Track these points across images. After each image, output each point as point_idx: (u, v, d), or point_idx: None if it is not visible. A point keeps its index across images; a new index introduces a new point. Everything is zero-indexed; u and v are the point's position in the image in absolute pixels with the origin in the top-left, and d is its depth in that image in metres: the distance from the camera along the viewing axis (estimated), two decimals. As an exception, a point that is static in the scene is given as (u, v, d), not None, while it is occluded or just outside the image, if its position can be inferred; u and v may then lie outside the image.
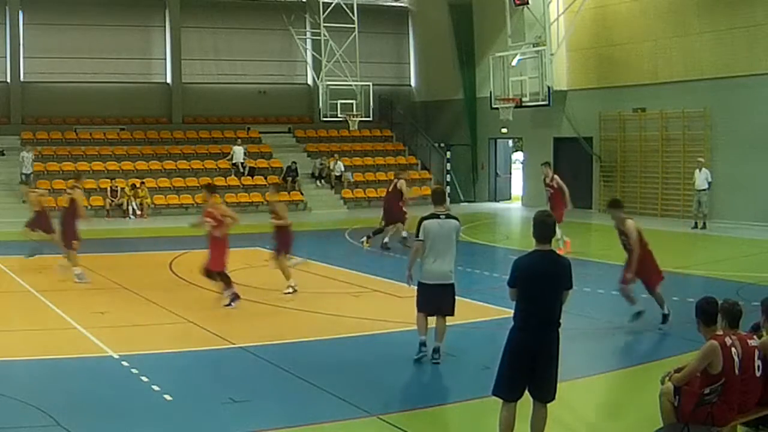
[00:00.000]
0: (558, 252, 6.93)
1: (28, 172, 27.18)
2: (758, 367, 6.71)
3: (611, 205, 11.98)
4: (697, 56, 25.03)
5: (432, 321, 9.60)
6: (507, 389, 6.69)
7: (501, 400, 6.74)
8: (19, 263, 16.72)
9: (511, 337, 6.70)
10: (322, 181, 31.93)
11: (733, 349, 6.52)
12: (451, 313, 9.57)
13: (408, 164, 34.32)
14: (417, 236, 9.43)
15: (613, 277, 15.69)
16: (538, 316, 6.58)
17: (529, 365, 6.57)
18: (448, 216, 9.47)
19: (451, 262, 9.42)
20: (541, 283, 6.59)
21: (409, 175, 22.28)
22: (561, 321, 6.67)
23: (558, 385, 6.75)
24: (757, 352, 6.73)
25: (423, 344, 9.49)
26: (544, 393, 6.69)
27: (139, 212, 27.65)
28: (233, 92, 34.22)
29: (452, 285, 9.50)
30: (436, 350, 9.46)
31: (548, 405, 6.72)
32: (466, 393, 8.64)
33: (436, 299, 9.43)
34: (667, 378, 6.70)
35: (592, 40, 28.47)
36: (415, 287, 9.56)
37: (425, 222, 9.38)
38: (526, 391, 6.70)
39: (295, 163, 31.12)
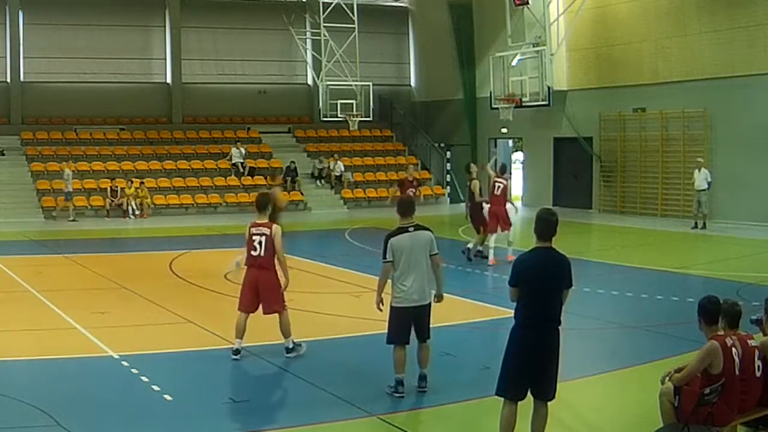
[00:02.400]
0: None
1: (70, 189, 26.34)
2: (758, 367, 6.72)
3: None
4: (697, 56, 25.03)
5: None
6: (512, 389, 6.68)
7: (502, 400, 6.73)
8: (21, 262, 16.68)
9: (513, 336, 6.67)
10: (322, 181, 31.93)
11: (733, 350, 6.52)
12: (429, 336, 8.54)
13: (408, 164, 34.39)
14: (384, 257, 8.28)
15: (614, 277, 15.78)
16: (540, 314, 6.57)
17: (533, 363, 6.56)
18: (418, 227, 8.38)
19: (428, 279, 8.36)
20: (543, 281, 6.57)
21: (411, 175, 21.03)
22: (561, 320, 6.68)
23: (558, 384, 6.75)
24: (757, 353, 6.74)
25: (401, 383, 8.37)
26: (546, 391, 6.68)
27: (139, 212, 27.65)
28: (233, 92, 34.22)
29: (430, 305, 8.49)
30: (423, 377, 8.53)
31: (548, 404, 6.72)
32: (466, 393, 8.62)
33: (415, 323, 8.39)
34: (668, 378, 6.70)
35: (592, 40, 28.47)
36: (381, 311, 8.48)
37: (392, 240, 8.27)
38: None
39: (293, 162, 31.13)
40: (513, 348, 6.66)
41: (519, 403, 6.69)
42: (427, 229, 8.48)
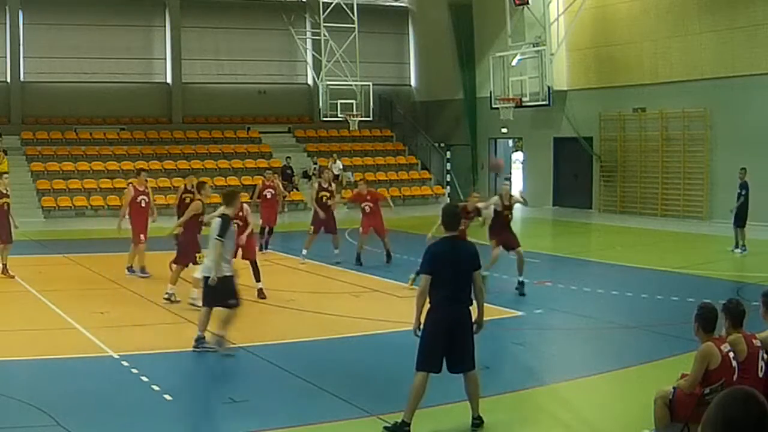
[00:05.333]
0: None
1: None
2: (761, 368, 6.70)
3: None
4: (697, 56, 25.03)
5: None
6: (429, 362, 7.26)
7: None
8: (21, 262, 16.68)
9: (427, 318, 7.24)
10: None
11: (731, 354, 6.51)
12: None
13: (408, 164, 34.43)
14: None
15: (614, 277, 15.77)
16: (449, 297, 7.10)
17: (445, 341, 7.09)
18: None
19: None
20: (453, 266, 7.16)
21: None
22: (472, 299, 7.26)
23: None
24: (761, 353, 6.71)
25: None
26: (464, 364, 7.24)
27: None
28: (233, 92, 34.23)
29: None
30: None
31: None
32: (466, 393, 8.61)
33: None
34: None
35: (592, 40, 28.46)
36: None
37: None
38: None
39: (289, 158, 31.12)
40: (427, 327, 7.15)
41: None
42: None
